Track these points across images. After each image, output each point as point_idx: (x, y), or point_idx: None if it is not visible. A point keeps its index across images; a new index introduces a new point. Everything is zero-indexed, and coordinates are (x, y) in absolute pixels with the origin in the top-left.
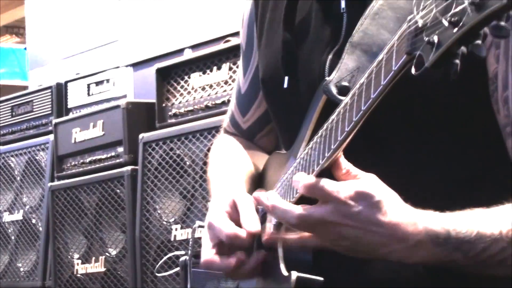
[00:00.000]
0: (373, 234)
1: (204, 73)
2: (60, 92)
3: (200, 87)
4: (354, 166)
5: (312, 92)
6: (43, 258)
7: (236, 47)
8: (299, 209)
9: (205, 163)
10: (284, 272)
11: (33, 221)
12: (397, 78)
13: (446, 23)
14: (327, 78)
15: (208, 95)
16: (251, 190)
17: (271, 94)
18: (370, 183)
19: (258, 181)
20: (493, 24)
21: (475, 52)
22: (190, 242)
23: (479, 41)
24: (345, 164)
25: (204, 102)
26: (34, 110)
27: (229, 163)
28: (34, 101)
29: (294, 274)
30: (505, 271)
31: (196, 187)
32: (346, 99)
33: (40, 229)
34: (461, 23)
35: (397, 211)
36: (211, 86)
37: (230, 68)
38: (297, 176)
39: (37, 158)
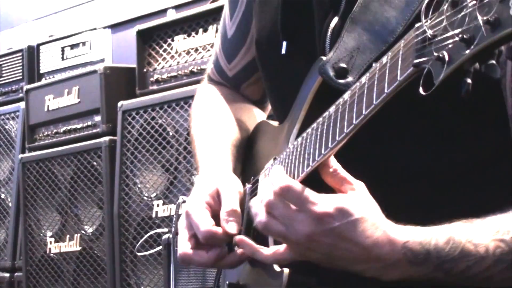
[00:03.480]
0: (346, 251)
1: (189, 35)
2: (31, 55)
3: (184, 51)
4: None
5: (311, 62)
6: (13, 236)
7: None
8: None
9: (189, 134)
10: (276, 267)
11: (2, 196)
12: (402, 87)
13: (457, 39)
14: (323, 58)
15: (193, 60)
16: (237, 162)
17: (266, 58)
18: (349, 198)
19: (245, 150)
20: (510, 45)
21: (488, 73)
22: (174, 219)
23: (493, 61)
24: (333, 163)
25: (188, 67)
26: (3, 75)
27: (214, 129)
28: (3, 65)
29: (286, 272)
30: (492, 286)
31: (179, 160)
32: (345, 96)
33: (10, 204)
34: (474, 43)
35: (374, 230)
36: (196, 50)
37: (217, 30)
38: (275, 177)
39: (6, 127)
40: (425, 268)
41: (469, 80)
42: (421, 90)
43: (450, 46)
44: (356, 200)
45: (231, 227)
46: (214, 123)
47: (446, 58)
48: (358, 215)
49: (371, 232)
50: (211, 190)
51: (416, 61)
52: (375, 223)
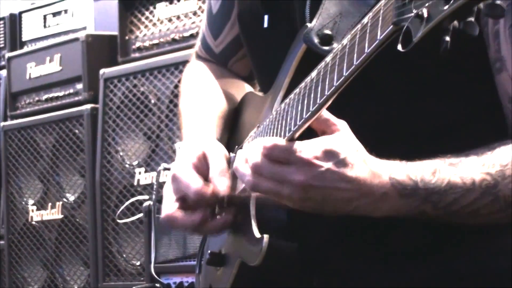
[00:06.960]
0: (339, 192)
1: (171, 3)
2: (13, 23)
3: (166, 19)
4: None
5: (293, 34)
6: None
7: None
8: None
9: (171, 101)
10: (256, 233)
11: None
12: (382, 46)
13: None
14: (308, 25)
15: (175, 28)
16: (223, 132)
17: (249, 32)
18: (334, 138)
19: (232, 121)
20: (488, 2)
21: (467, 31)
22: (155, 187)
23: (471, 18)
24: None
25: (170, 35)
26: None
27: (201, 101)
28: None
29: (266, 238)
30: (478, 221)
31: (161, 127)
32: (327, 59)
33: None
34: None
35: (362, 165)
36: (178, 18)
37: None
38: (259, 140)
39: None
40: (413, 200)
41: (447, 38)
42: (399, 47)
43: (429, 3)
44: (341, 140)
45: (221, 186)
46: (201, 95)
47: (425, 15)
48: (345, 154)
49: (360, 168)
50: (198, 154)
51: (395, 19)
52: (362, 159)
